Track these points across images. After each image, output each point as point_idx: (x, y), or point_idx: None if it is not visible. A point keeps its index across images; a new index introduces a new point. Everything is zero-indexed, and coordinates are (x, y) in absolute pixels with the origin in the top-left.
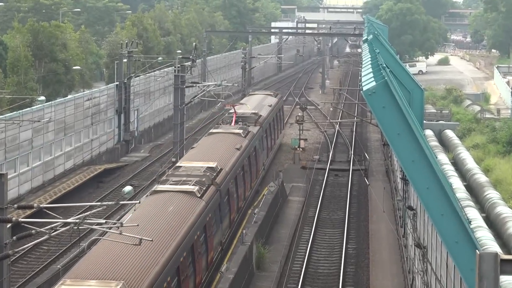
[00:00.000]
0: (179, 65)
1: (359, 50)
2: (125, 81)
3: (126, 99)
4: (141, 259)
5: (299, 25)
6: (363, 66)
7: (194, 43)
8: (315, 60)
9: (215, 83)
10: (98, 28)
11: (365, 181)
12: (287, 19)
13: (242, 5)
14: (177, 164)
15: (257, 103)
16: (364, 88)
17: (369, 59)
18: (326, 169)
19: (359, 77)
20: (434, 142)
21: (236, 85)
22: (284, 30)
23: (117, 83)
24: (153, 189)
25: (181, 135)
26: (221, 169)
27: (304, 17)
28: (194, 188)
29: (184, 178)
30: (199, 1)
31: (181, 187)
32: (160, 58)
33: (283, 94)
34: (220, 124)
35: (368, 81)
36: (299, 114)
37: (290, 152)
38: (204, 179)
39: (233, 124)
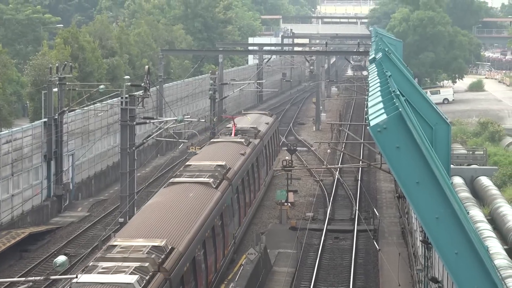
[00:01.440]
0: (127, 95)
1: (365, 72)
2: (56, 117)
3: (57, 141)
4: (179, 225)
5: (285, 41)
6: (370, 93)
7: (146, 66)
8: (306, 86)
9: (175, 118)
10: (20, 48)
11: (375, 246)
12: (269, 33)
13: (209, 16)
14: (187, 163)
15: (254, 119)
16: (372, 123)
17: (378, 84)
18: (323, 230)
19: (365, 109)
20: (464, 193)
21: (203, 120)
22: (266, 48)
23: (45, 120)
24: (169, 181)
25: (131, 187)
26: (230, 168)
27: (291, 30)
28: (210, 180)
29: (197, 173)
30: (152, 11)
31: (197, 179)
32: (102, 87)
33: None
34: (219, 136)
35: (376, 113)
36: (286, 158)
37: (275, 208)
38: (216, 174)
39: (233, 135)
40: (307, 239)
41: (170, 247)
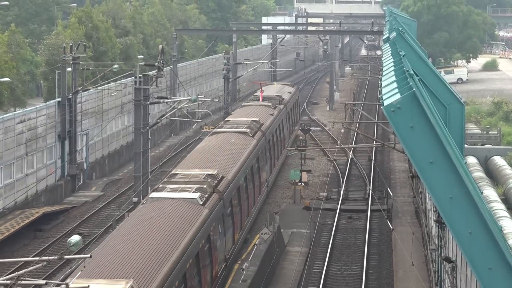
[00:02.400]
0: (140, 75)
1: (379, 52)
2: (70, 96)
3: (71, 120)
4: (227, 161)
5: (299, 21)
6: (383, 73)
7: (160, 46)
8: (320, 66)
9: (189, 98)
10: (34, 27)
11: (388, 225)
12: (283, 12)
13: None
14: (226, 119)
15: (278, 88)
16: (386, 103)
17: (392, 64)
18: (336, 210)
19: (379, 88)
20: (478, 173)
21: (217, 100)
22: (279, 27)
23: (59, 99)
24: (212, 132)
25: (145, 167)
26: (262, 123)
27: (305, 9)
28: (247, 130)
29: (235, 126)
30: None
31: (236, 129)
32: (115, 66)
33: None
34: (248, 101)
35: (390, 93)
36: (300, 137)
37: (289, 188)
38: (252, 126)
39: (260, 100)
40: (320, 218)
41: (221, 176)
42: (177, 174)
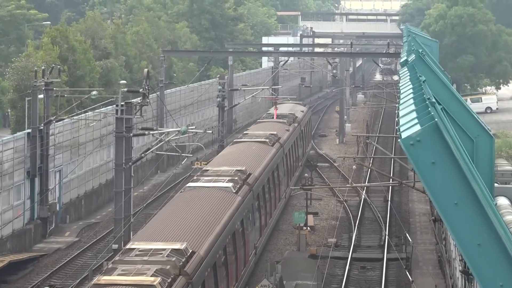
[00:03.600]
0: (123, 103)
1: (395, 77)
2: (41, 127)
3: (42, 155)
4: (252, 160)
5: (305, 41)
6: (401, 101)
7: (145, 69)
8: (328, 93)
9: (178, 129)
10: (1, 48)
11: (407, 277)
12: (286, 32)
13: (218, 12)
14: (245, 131)
15: (291, 107)
16: (403, 135)
17: (411, 90)
18: (347, 258)
19: (396, 119)
20: (510, 216)
21: (210, 131)
22: (282, 49)
23: (29, 130)
24: (233, 141)
25: (127, 208)
26: (280, 137)
27: (311, 28)
28: (267, 140)
29: (255, 138)
30: (153, 6)
31: (257, 139)
32: (94, 93)
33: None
34: (263, 118)
35: (409, 124)
36: (306, 175)
37: (293, 233)
38: (270, 138)
39: (274, 118)
40: (329, 268)
41: (248, 172)
42: (208, 170)
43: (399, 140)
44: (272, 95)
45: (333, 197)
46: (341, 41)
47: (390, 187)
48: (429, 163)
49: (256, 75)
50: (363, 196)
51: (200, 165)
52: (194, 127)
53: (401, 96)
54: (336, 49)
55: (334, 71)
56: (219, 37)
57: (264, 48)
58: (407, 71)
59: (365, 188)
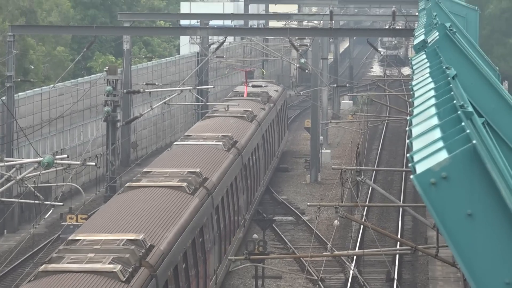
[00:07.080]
0: None
1: (406, 70)
2: None
3: None
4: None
5: (253, 9)
6: (415, 110)
7: None
8: (293, 96)
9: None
10: None
11: None
12: None
13: None
14: (214, 109)
15: (264, 86)
16: (419, 169)
17: (432, 93)
18: None
19: (407, 140)
20: None
21: (93, 163)
22: (213, 23)
23: None
24: (207, 114)
25: None
26: (256, 114)
27: None
28: (244, 115)
29: (232, 114)
30: None
31: (235, 115)
32: None
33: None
34: (230, 96)
35: (428, 149)
36: (255, 236)
37: None
38: (247, 114)
39: (245, 95)
40: None
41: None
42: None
43: (411, 177)
44: (198, 100)
45: (301, 273)
46: (315, 10)
47: (398, 256)
48: (464, 215)
49: (170, 68)
50: (351, 272)
51: (76, 221)
52: (66, 155)
53: (415, 103)
54: (306, 22)
55: (303, 60)
56: (107, 5)
57: (183, 22)
58: (426, 60)
59: (354, 258)
